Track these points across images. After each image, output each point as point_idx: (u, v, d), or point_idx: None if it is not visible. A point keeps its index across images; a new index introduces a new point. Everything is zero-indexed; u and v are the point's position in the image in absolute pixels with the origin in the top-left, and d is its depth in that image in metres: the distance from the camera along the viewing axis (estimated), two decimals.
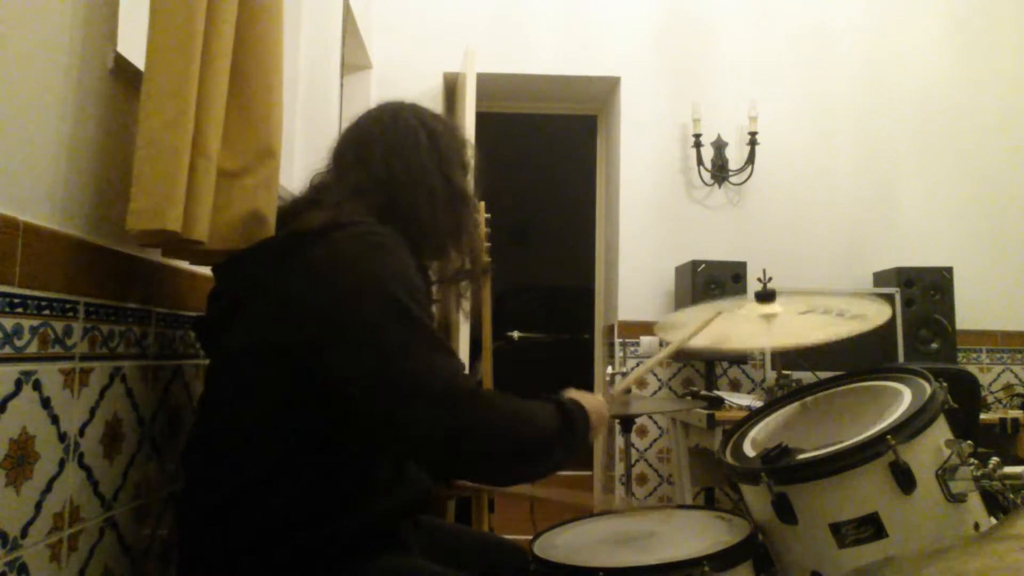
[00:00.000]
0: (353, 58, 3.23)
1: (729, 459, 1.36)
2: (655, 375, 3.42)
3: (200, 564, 1.08)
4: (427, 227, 1.21)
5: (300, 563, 1.04)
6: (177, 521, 1.16)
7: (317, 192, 1.23)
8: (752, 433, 1.43)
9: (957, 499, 1.16)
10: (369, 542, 1.09)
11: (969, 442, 1.17)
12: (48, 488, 0.96)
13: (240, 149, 1.24)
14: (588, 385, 3.88)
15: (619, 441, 2.72)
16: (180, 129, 1.06)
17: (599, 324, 3.86)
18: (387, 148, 1.23)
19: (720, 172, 3.47)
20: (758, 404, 2.56)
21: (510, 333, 5.29)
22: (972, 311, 3.40)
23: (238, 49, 1.21)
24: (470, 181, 1.34)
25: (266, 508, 1.04)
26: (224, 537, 1.05)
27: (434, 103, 3.38)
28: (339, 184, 1.22)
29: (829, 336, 1.59)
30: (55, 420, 0.98)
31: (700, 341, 1.64)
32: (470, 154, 1.35)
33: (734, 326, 1.80)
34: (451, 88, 3.57)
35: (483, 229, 1.67)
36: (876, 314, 1.62)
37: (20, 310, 0.90)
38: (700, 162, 3.45)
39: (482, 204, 1.76)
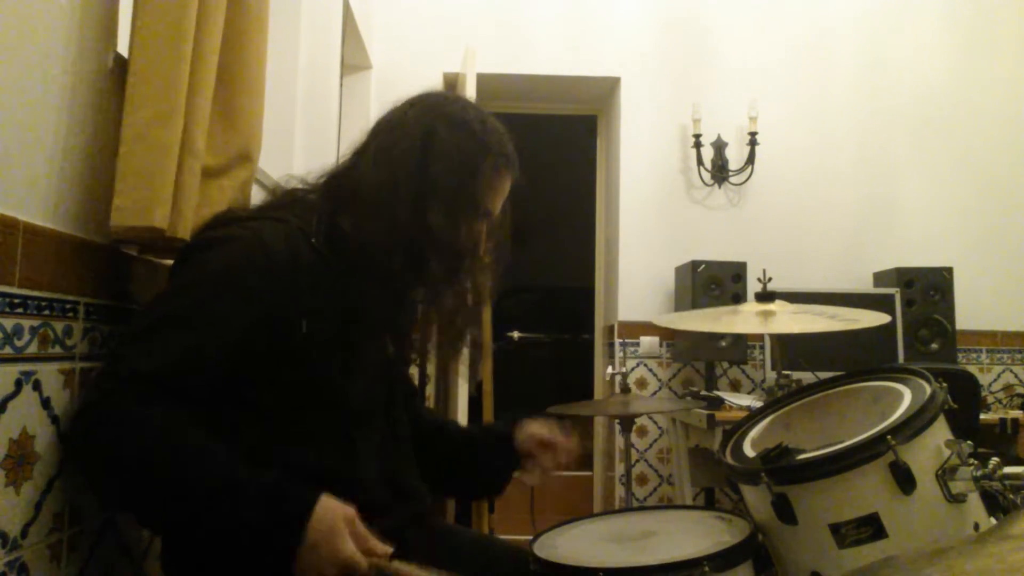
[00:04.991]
0: (353, 58, 3.23)
1: (729, 459, 1.36)
2: (654, 374, 3.42)
3: (181, 563, 1.05)
4: (379, 265, 1.04)
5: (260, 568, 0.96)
6: None
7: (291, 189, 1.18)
8: (752, 433, 1.43)
9: (957, 499, 1.16)
10: None
11: (969, 442, 1.17)
12: (48, 488, 0.96)
13: (220, 149, 1.24)
14: (588, 385, 3.89)
15: (619, 441, 2.71)
16: (170, 125, 1.05)
17: (599, 324, 3.86)
18: (375, 154, 1.09)
19: (720, 172, 3.47)
20: (758, 404, 2.57)
21: (510, 333, 5.29)
22: (972, 311, 3.40)
23: (225, 51, 1.21)
24: (472, 226, 1.09)
25: None
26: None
27: None
28: (329, 176, 1.16)
29: (814, 329, 1.62)
30: (55, 420, 0.98)
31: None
32: (492, 194, 1.11)
33: (733, 321, 1.85)
34: (451, 88, 3.57)
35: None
36: (869, 319, 1.63)
37: (20, 310, 0.90)
38: (700, 162, 3.45)
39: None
